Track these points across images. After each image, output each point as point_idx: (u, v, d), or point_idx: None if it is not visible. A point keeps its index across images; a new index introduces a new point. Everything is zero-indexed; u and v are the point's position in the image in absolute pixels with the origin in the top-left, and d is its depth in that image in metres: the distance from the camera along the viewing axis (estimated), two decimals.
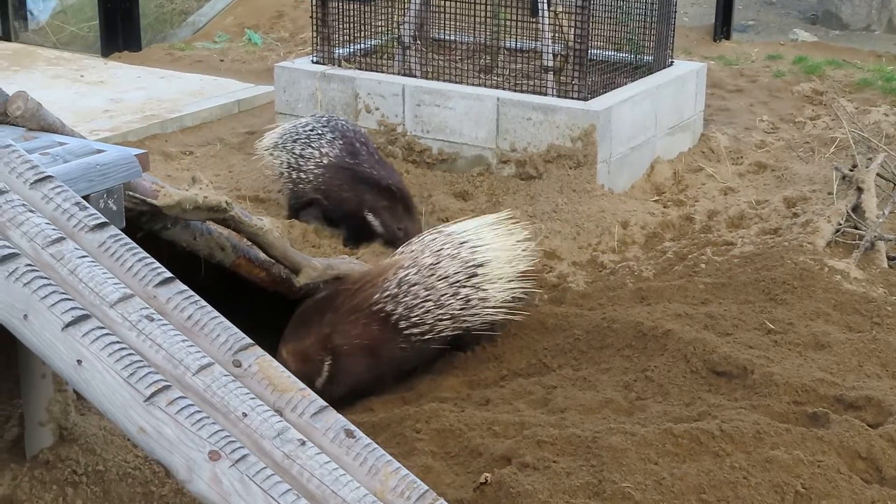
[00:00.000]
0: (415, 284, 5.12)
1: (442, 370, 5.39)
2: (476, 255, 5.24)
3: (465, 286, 5.18)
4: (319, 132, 6.54)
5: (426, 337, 5.13)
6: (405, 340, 5.11)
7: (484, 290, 5.21)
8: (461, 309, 5.17)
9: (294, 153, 6.55)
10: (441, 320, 5.13)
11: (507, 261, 5.30)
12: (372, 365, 5.09)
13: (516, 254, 5.35)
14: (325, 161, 6.46)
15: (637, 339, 5.09)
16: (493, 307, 5.25)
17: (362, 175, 6.40)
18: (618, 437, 4.15)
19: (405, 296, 5.11)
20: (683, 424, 4.24)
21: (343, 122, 6.69)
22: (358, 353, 5.05)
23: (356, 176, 6.41)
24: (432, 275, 5.14)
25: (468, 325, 5.23)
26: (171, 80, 9.67)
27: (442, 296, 5.14)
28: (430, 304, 5.12)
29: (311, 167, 6.48)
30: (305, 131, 6.59)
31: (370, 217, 6.40)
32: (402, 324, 5.08)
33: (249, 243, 4.97)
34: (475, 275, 5.20)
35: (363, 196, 6.37)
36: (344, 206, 6.49)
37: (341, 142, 6.48)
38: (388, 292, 5.11)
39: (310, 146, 6.50)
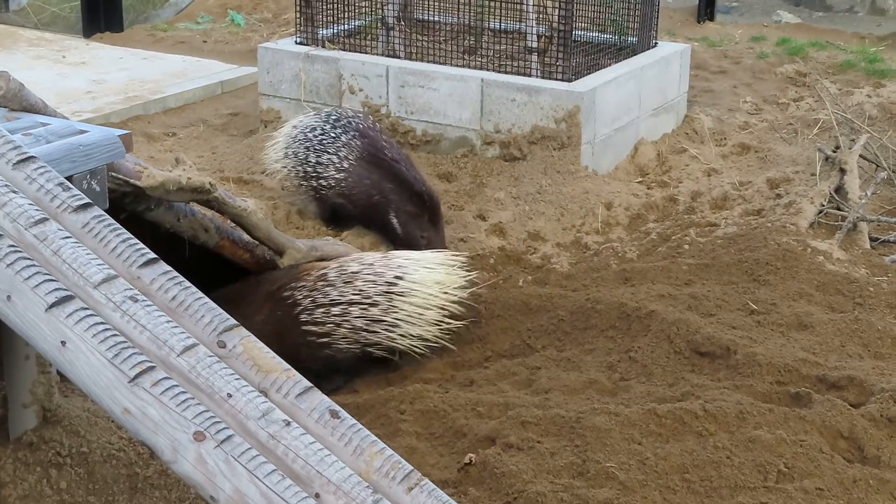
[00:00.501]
0: (329, 285, 5.06)
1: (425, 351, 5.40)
2: (400, 282, 5.12)
3: (376, 305, 5.05)
4: (333, 135, 6.25)
5: (321, 340, 5.03)
6: (302, 336, 5.02)
7: (395, 316, 5.07)
8: (365, 325, 5.05)
9: (310, 162, 6.27)
10: (339, 327, 5.02)
11: (428, 298, 5.14)
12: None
13: (442, 296, 5.18)
14: (345, 164, 6.18)
15: (621, 320, 5.11)
16: (399, 336, 5.09)
17: (390, 177, 6.11)
18: (602, 417, 4.17)
19: (317, 292, 5.05)
20: (667, 405, 4.25)
21: (358, 120, 6.38)
22: (260, 337, 4.99)
23: (383, 178, 6.12)
24: (349, 282, 5.07)
25: (367, 344, 5.09)
26: (153, 62, 9.63)
27: (350, 305, 5.04)
28: (335, 308, 5.02)
29: (332, 173, 6.20)
30: (317, 137, 6.29)
31: (394, 221, 6.11)
32: (304, 317, 5.02)
33: (233, 225, 4.97)
34: (390, 299, 5.08)
35: (389, 198, 6.08)
36: (370, 211, 6.21)
37: (360, 142, 6.19)
38: (303, 283, 5.08)
39: (326, 152, 6.21)
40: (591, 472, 3.88)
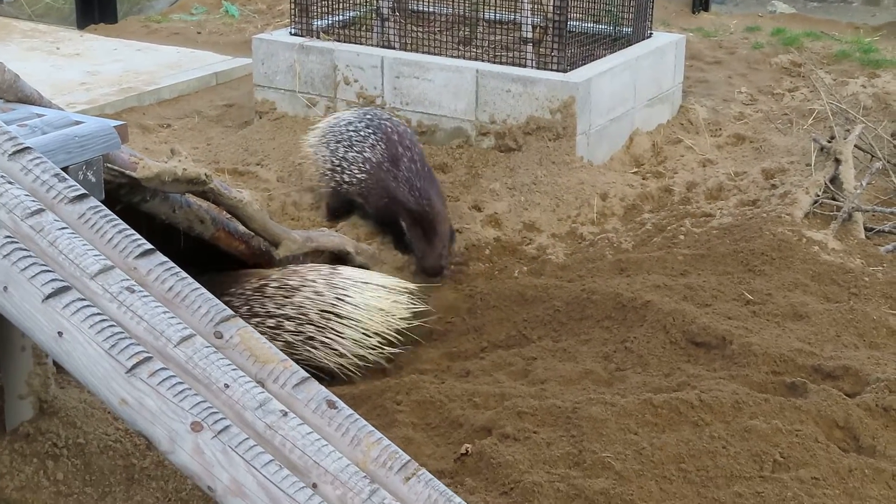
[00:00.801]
0: (268, 296, 5.04)
1: (421, 343, 5.40)
2: (340, 303, 5.06)
3: (311, 323, 5.01)
4: (363, 134, 6.24)
5: None
6: None
7: (329, 336, 5.02)
8: (292, 340, 5.00)
9: (338, 155, 6.28)
10: (273, 340, 4.86)
11: (368, 324, 5.06)
12: None
13: (382, 323, 5.11)
14: (367, 166, 6.16)
15: (616, 311, 5.11)
16: (329, 359, 5.01)
17: (398, 186, 6.05)
18: (598, 407, 4.17)
19: (254, 301, 5.04)
20: (663, 395, 4.26)
21: (386, 121, 6.34)
22: None
23: (393, 186, 6.07)
24: (288, 297, 5.03)
25: (299, 360, 4.85)
26: (147, 53, 9.61)
27: (287, 320, 5.01)
28: (269, 320, 5.00)
29: (356, 171, 6.20)
30: (348, 131, 6.30)
31: (404, 226, 6.03)
32: None
33: (229, 216, 4.96)
34: (328, 319, 5.01)
35: (399, 208, 6.01)
36: (381, 214, 6.20)
37: (384, 146, 6.16)
38: (241, 290, 5.07)
39: (353, 149, 6.22)
40: (588, 462, 3.89)
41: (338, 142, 6.33)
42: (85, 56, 9.51)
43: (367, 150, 6.19)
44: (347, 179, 6.24)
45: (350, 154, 6.23)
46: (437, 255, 5.89)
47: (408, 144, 6.23)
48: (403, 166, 6.06)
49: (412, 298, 5.26)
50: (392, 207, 6.04)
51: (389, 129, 6.27)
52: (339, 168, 6.28)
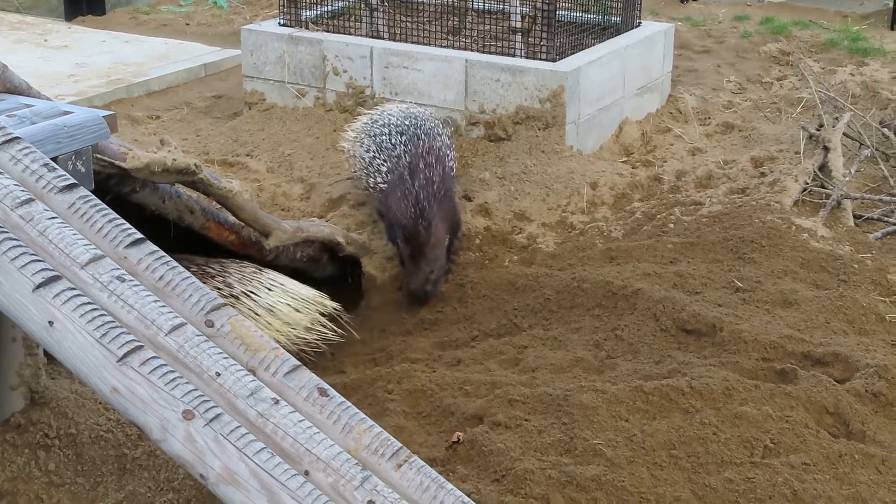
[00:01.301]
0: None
1: (412, 331, 5.41)
2: (246, 300, 5.02)
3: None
4: (393, 141, 6.01)
5: None
6: None
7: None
8: None
9: (366, 158, 6.11)
10: None
11: (267, 327, 5.01)
12: None
13: (284, 331, 5.07)
14: (388, 176, 5.95)
15: (607, 299, 5.12)
16: None
17: (402, 199, 5.79)
18: (589, 395, 4.18)
19: None
20: (653, 382, 4.27)
21: (421, 128, 6.11)
22: None
23: (397, 198, 5.83)
24: (200, 281, 4.99)
25: None
26: (136, 45, 9.59)
27: None
28: None
29: (379, 180, 6.01)
30: (382, 134, 6.09)
31: (400, 243, 5.82)
32: None
33: (219, 206, 4.96)
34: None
35: (397, 223, 5.78)
36: (387, 224, 6.03)
37: (408, 157, 5.89)
38: None
39: (380, 155, 6.02)
40: (579, 450, 3.90)
41: (370, 143, 6.12)
42: (73, 48, 9.48)
43: (391, 160, 5.97)
44: (373, 184, 6.07)
45: (377, 161, 6.03)
46: (422, 280, 5.65)
47: (433, 160, 5.95)
48: (417, 182, 5.78)
49: (323, 314, 5.19)
50: (392, 220, 5.84)
51: (421, 138, 6.03)
52: (367, 171, 6.10)
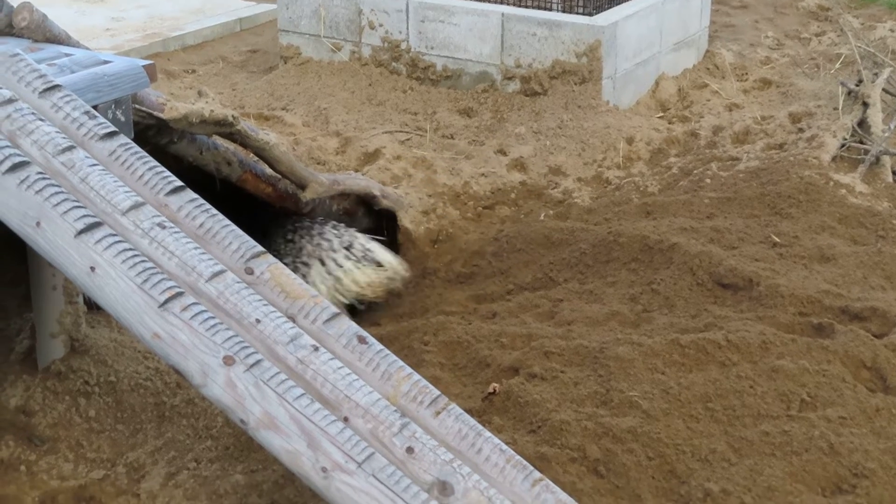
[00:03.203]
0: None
1: (447, 286, 5.41)
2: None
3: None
4: None
5: None
6: None
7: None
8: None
9: None
10: None
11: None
12: None
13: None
14: None
15: (643, 253, 5.10)
16: None
17: None
18: (625, 347, 4.18)
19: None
20: (690, 335, 4.26)
21: None
22: None
23: None
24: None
25: None
26: None
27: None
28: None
29: None
30: None
31: None
32: None
33: (256, 158, 4.97)
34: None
35: None
36: None
37: None
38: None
39: None
40: (615, 402, 3.90)
41: None
42: (109, 2, 9.49)
43: None
44: None
45: None
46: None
47: None
48: None
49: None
50: None
51: None
52: None
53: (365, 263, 5.21)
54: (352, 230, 5.39)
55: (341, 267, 5.16)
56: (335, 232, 5.31)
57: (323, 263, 5.16)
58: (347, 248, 5.22)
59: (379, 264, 5.26)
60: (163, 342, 2.84)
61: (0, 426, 3.73)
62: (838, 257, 5.00)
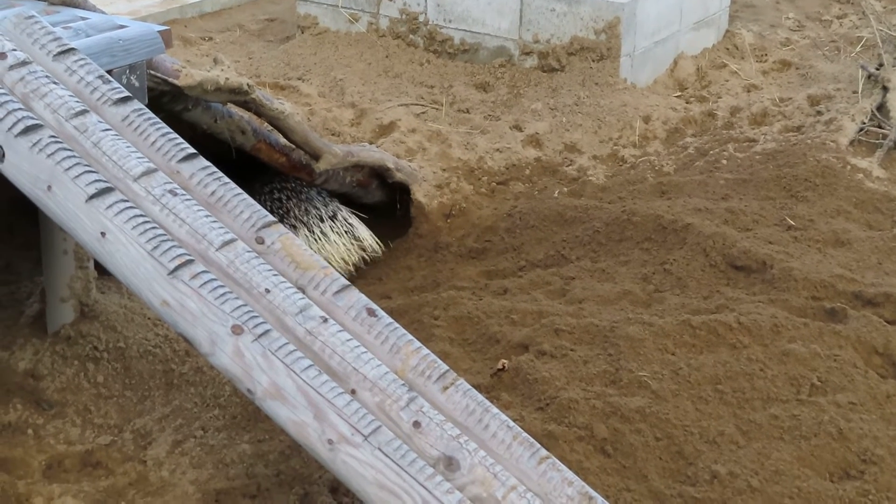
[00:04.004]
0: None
1: (459, 261, 5.40)
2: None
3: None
4: None
5: None
6: None
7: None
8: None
9: None
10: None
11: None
12: None
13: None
14: None
15: (656, 233, 5.08)
16: None
17: None
18: (635, 327, 4.17)
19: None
20: (701, 316, 4.25)
21: None
22: None
23: None
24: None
25: None
26: None
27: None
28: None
29: None
30: None
31: None
32: None
33: (270, 128, 4.95)
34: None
35: None
36: None
37: None
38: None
39: None
40: (624, 381, 3.89)
41: None
42: None
43: None
44: None
45: None
46: None
47: None
48: None
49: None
50: None
51: None
52: None
53: (346, 238, 5.30)
54: (335, 201, 5.48)
55: (325, 236, 5.25)
56: (321, 199, 5.37)
57: (310, 230, 5.20)
58: (332, 219, 5.31)
59: (357, 239, 5.35)
60: (172, 309, 2.83)
61: (8, 389, 3.74)
62: (853, 242, 4.97)
